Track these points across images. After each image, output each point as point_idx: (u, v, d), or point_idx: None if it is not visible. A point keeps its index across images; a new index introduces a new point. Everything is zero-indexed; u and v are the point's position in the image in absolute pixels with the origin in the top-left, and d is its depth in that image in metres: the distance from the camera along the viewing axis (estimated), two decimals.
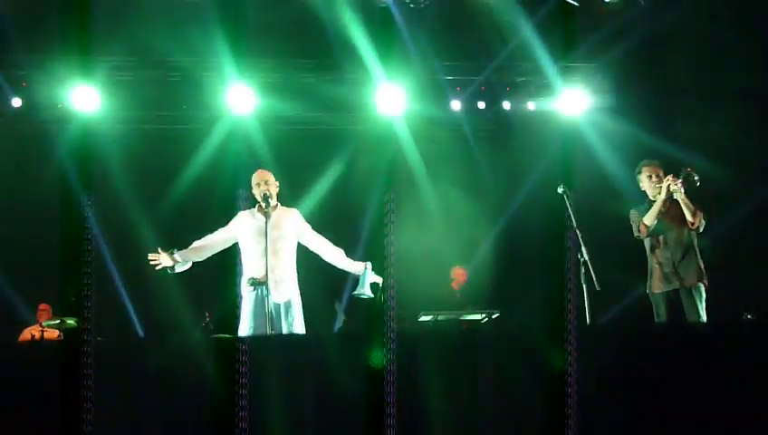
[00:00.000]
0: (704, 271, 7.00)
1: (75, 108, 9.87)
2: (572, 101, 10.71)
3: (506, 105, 11.03)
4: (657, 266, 7.05)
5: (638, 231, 7.08)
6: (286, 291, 6.55)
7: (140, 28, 9.41)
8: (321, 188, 10.82)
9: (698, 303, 6.91)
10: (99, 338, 7.15)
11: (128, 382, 4.08)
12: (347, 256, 6.79)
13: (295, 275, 6.67)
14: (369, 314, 7.84)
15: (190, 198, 10.49)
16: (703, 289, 6.97)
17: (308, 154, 11.16)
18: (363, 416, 4.13)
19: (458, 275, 10.04)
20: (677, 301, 6.99)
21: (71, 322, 8.84)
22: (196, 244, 6.74)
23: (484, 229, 10.88)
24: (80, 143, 10.08)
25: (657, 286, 7.05)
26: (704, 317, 6.87)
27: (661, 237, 7.05)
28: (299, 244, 6.74)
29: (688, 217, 6.96)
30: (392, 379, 4.12)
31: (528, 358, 4.33)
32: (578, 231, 6.74)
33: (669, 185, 6.95)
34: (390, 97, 10.31)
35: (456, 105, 10.99)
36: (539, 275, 10.27)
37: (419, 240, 9.89)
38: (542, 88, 10.86)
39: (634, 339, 4.34)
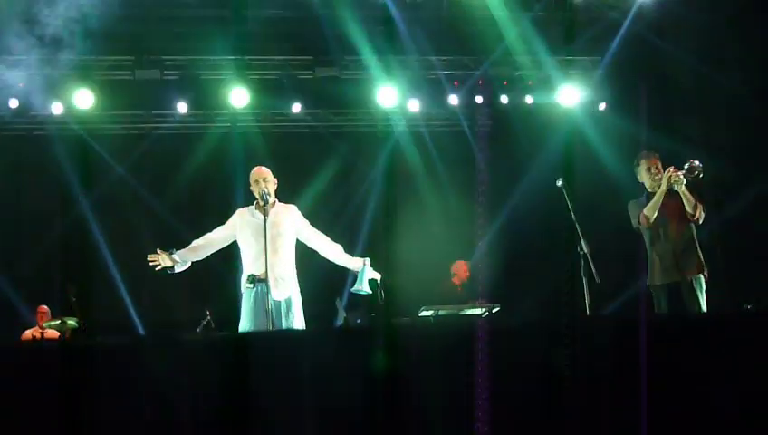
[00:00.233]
0: (704, 263, 6.99)
1: (73, 108, 9.89)
2: (571, 95, 10.71)
3: (504, 99, 11.02)
4: (657, 259, 7.03)
5: (639, 222, 7.04)
6: (286, 288, 6.54)
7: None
8: (319, 184, 10.83)
9: (699, 294, 6.90)
10: (99, 338, 7.18)
11: (127, 382, 4.07)
12: (345, 252, 6.79)
13: (295, 272, 6.67)
14: (368, 311, 7.86)
15: (190, 198, 10.51)
16: (703, 281, 6.96)
17: (306, 151, 11.18)
18: (363, 415, 4.13)
19: (460, 269, 9.99)
20: (678, 293, 6.98)
21: (71, 322, 8.86)
22: (194, 243, 6.73)
23: (483, 225, 10.88)
24: (78, 143, 10.10)
25: (657, 279, 7.03)
26: (704, 309, 6.87)
27: (661, 230, 7.02)
28: (298, 241, 6.74)
29: (689, 209, 6.93)
30: (392, 377, 4.11)
31: (528, 353, 4.32)
32: (577, 224, 6.72)
33: (671, 176, 6.91)
34: (388, 93, 10.31)
35: (453, 100, 10.99)
36: (539, 268, 10.30)
37: (418, 236, 9.90)
38: (541, 82, 10.86)
39: (634, 331, 4.33)
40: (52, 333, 9.12)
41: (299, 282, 6.67)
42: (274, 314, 6.38)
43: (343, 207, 11.13)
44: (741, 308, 8.11)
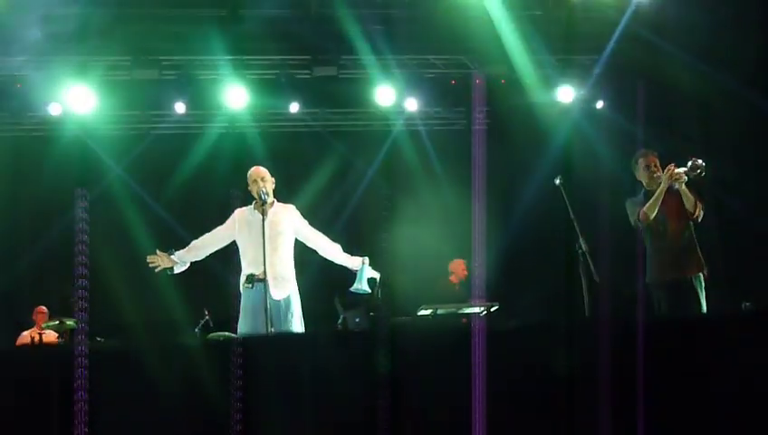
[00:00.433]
0: (703, 261, 6.97)
1: (71, 108, 9.88)
2: (568, 94, 10.72)
3: (502, 98, 11.02)
4: (656, 257, 7.01)
5: (638, 219, 6.99)
6: (285, 288, 6.53)
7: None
8: (317, 184, 10.83)
9: (699, 293, 6.88)
10: (98, 338, 7.19)
11: (126, 383, 4.07)
12: (344, 251, 6.78)
13: (294, 271, 6.66)
14: (367, 310, 7.85)
15: (188, 198, 10.50)
16: (702, 279, 6.94)
17: (304, 151, 11.18)
18: (363, 414, 4.12)
19: (458, 268, 9.98)
20: (677, 291, 6.96)
21: (70, 323, 8.85)
22: (193, 244, 6.73)
23: (481, 223, 10.88)
24: (77, 143, 10.09)
25: (656, 277, 7.00)
26: (704, 308, 6.85)
27: (660, 228, 6.99)
28: (297, 240, 6.73)
29: (688, 207, 6.89)
30: (391, 377, 4.10)
31: (527, 353, 4.31)
32: (575, 222, 6.70)
33: (672, 174, 6.86)
34: (386, 92, 10.32)
35: (450, 99, 11.00)
36: (537, 266, 10.30)
37: (416, 234, 9.90)
38: (539, 81, 10.86)
39: (633, 330, 4.32)
40: (51, 334, 9.12)
41: (298, 281, 6.67)
42: (273, 314, 6.37)
43: (342, 207, 11.14)
44: (741, 308, 8.09)
